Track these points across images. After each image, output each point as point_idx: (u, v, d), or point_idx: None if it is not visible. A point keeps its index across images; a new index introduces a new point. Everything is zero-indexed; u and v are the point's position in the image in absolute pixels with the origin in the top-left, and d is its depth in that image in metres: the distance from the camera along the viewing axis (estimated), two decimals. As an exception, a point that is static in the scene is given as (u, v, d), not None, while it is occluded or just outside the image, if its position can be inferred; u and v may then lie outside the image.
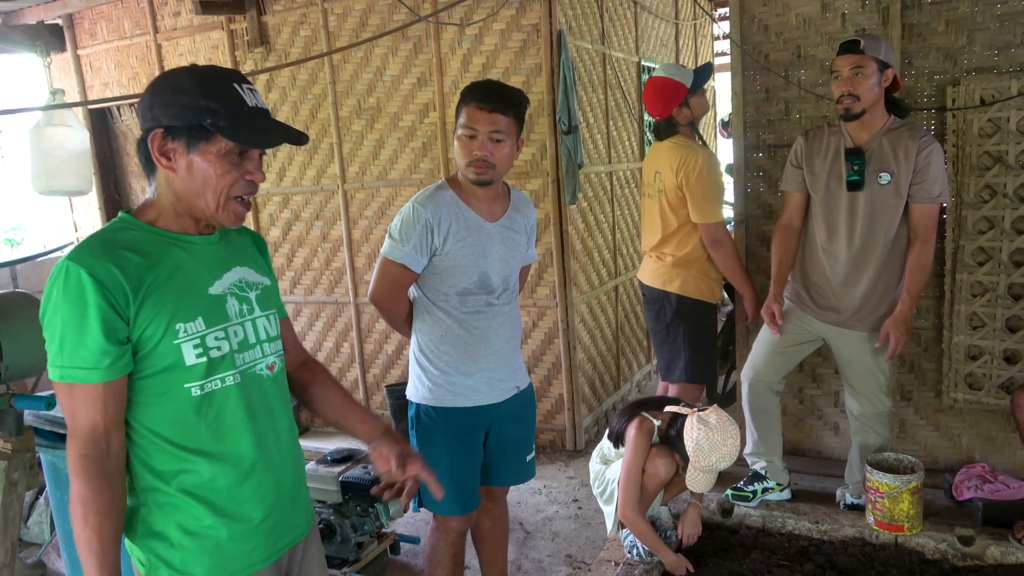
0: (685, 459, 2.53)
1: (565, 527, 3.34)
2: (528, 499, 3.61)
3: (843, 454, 3.29)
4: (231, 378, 1.36)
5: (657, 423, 2.64)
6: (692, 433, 2.46)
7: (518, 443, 2.38)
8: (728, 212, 3.97)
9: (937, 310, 3.23)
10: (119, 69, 4.95)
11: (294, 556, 1.52)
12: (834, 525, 2.84)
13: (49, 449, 2.47)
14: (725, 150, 5.91)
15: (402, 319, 2.27)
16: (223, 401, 1.35)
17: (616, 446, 2.76)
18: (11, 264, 4.91)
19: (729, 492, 3.11)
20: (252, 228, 4.57)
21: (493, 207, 2.20)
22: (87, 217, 5.37)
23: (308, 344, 4.67)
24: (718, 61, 6.99)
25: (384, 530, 3.01)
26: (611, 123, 4.54)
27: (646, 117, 5.02)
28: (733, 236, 3.57)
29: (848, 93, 2.64)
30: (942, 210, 3.01)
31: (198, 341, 1.31)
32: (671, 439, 2.59)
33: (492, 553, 2.54)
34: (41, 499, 3.23)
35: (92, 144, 4.88)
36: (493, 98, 2.06)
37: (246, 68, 4.50)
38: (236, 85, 1.32)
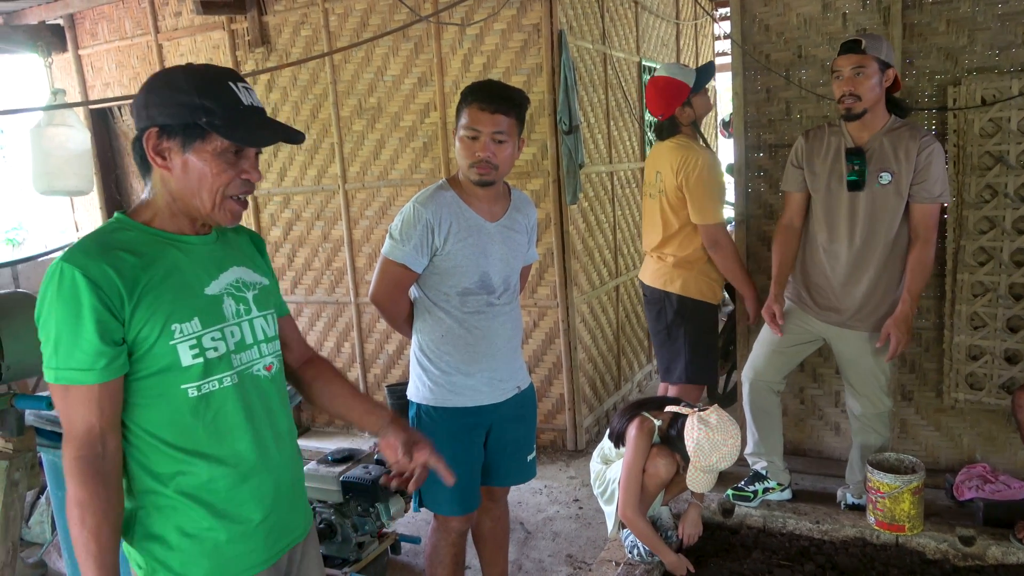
0: (686, 459, 2.53)
1: (566, 527, 3.34)
2: (529, 499, 3.61)
3: (844, 454, 3.29)
4: (228, 379, 1.35)
5: (658, 423, 2.64)
6: (693, 433, 2.46)
7: (519, 443, 2.38)
8: (729, 212, 3.96)
9: (938, 310, 3.22)
10: (120, 69, 4.95)
11: (293, 557, 1.52)
12: (835, 525, 2.84)
13: (50, 449, 2.47)
14: (726, 150, 5.91)
15: (403, 319, 2.27)
16: (221, 402, 1.34)
17: (617, 446, 2.76)
18: (12, 264, 4.91)
19: (730, 492, 3.11)
20: (253, 228, 4.58)
21: (494, 207, 2.20)
22: (88, 217, 5.37)
23: (309, 344, 4.67)
24: (719, 61, 6.98)
25: (385, 530, 3.01)
26: (612, 123, 4.54)
27: (647, 117, 5.02)
28: (734, 236, 3.57)
29: (849, 93, 2.64)
30: (943, 210, 3.01)
31: (194, 342, 1.30)
32: (672, 439, 2.59)
33: (493, 553, 2.54)
34: (42, 499, 3.23)
35: (93, 144, 4.89)
36: (495, 99, 2.05)
37: (247, 68, 4.50)
38: (231, 83, 1.31)
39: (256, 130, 1.32)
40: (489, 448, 2.31)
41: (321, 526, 2.83)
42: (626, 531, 2.72)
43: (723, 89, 7.55)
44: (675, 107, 3.16)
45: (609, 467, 2.82)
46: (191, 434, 1.32)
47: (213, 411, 1.34)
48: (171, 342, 1.28)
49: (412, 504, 2.42)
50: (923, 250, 2.71)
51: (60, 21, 5.03)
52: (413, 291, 2.24)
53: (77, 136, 4.48)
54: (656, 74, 3.28)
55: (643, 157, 5.01)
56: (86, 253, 1.24)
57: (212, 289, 1.36)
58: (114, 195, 5.30)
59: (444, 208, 2.12)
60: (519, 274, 2.33)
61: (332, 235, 4.53)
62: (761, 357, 3.07)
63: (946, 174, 2.72)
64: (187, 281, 1.32)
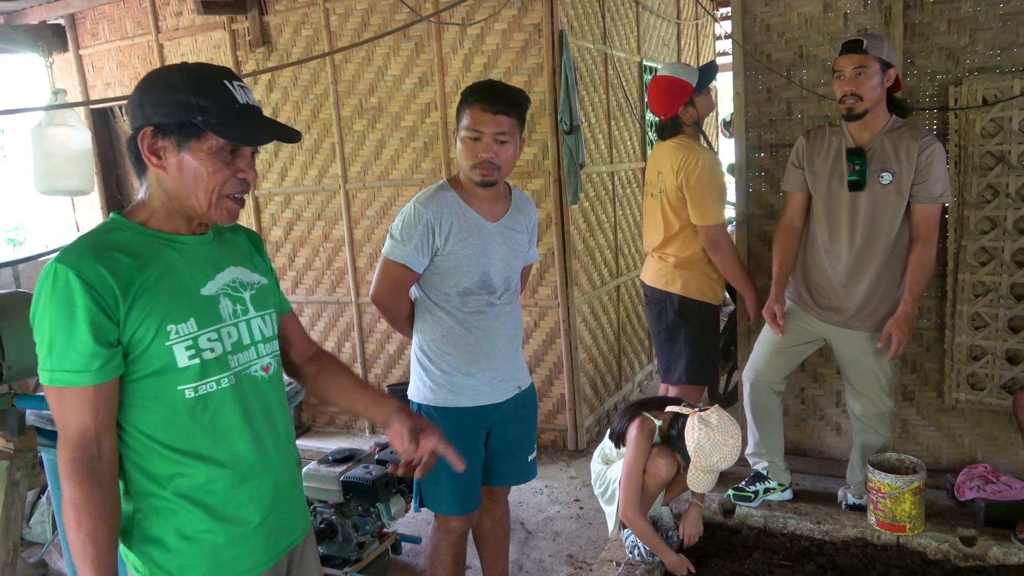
0: (686, 459, 2.53)
1: (566, 527, 3.34)
2: (529, 499, 3.61)
3: (845, 454, 3.29)
4: (226, 380, 1.34)
5: (658, 423, 2.64)
6: (693, 433, 2.45)
7: (519, 443, 2.38)
8: (730, 212, 3.96)
9: (939, 310, 3.22)
10: (121, 69, 4.95)
11: (292, 559, 1.51)
12: (836, 525, 2.84)
13: (51, 449, 2.47)
14: (727, 150, 5.91)
15: (403, 319, 2.27)
16: (218, 403, 1.33)
17: (617, 446, 2.76)
18: (13, 264, 4.91)
19: (731, 492, 3.11)
20: (254, 228, 4.58)
21: (494, 207, 2.20)
22: (89, 217, 5.37)
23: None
24: (720, 61, 6.98)
25: (385, 530, 3.01)
26: (613, 123, 4.54)
27: (648, 116, 5.02)
28: (735, 236, 3.57)
29: (851, 93, 2.64)
30: (944, 210, 3.00)
31: (190, 342, 1.29)
32: (672, 439, 2.59)
33: (493, 553, 2.54)
34: (43, 498, 3.23)
35: (94, 144, 4.89)
36: (497, 100, 2.05)
37: (248, 68, 4.50)
38: (227, 82, 1.30)
39: (252, 129, 1.31)
40: (490, 448, 2.31)
41: (322, 526, 2.83)
42: (627, 531, 2.72)
43: (724, 89, 7.55)
44: (678, 107, 3.16)
45: (610, 467, 2.82)
46: (188, 436, 1.31)
47: (210, 412, 1.32)
48: (167, 343, 1.27)
49: (413, 504, 2.41)
50: (924, 250, 2.71)
51: (61, 21, 5.03)
52: (414, 291, 2.24)
53: (78, 136, 4.48)
54: (659, 74, 3.28)
55: (644, 157, 5.01)
56: (80, 254, 1.23)
57: (208, 289, 1.35)
58: (115, 195, 5.31)
59: (445, 208, 2.12)
60: (520, 274, 2.33)
61: (333, 235, 4.53)
62: (762, 357, 3.07)
63: (947, 174, 2.71)
64: (183, 282, 1.31)
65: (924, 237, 2.71)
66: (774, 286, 2.98)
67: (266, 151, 4.61)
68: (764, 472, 3.15)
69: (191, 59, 4.59)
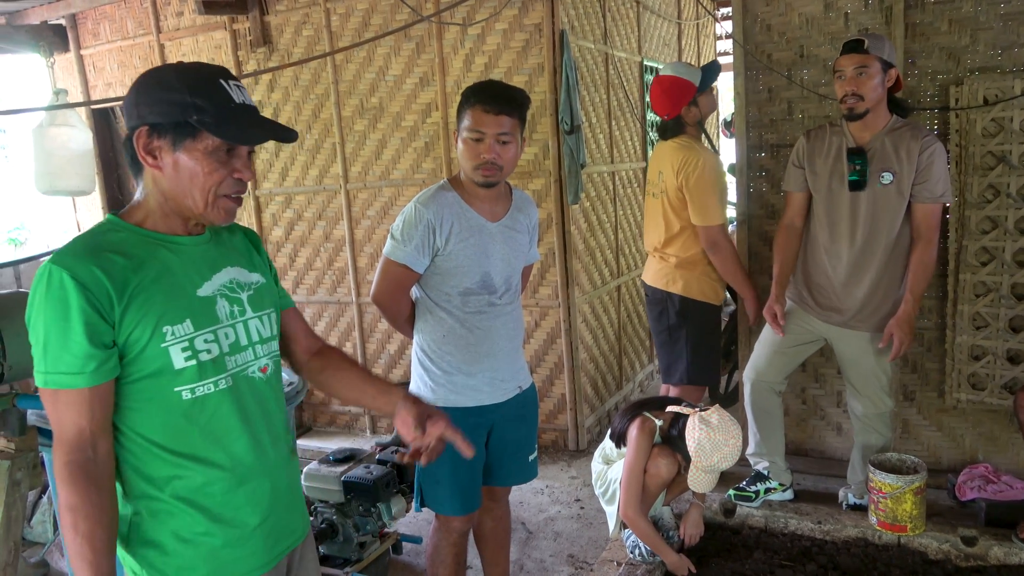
0: (687, 459, 2.53)
1: (567, 527, 3.34)
2: (530, 499, 3.61)
3: (846, 454, 3.29)
4: (223, 381, 1.33)
5: (659, 423, 2.64)
6: (694, 433, 2.45)
7: (520, 443, 2.38)
8: (731, 212, 3.96)
9: (940, 310, 3.22)
10: (122, 69, 4.96)
11: (292, 560, 1.50)
12: (837, 525, 2.84)
13: (52, 449, 2.47)
14: (727, 150, 5.91)
15: (404, 319, 2.27)
16: (215, 405, 1.32)
17: (618, 446, 2.76)
18: (14, 264, 4.92)
19: (731, 492, 3.11)
20: (255, 228, 4.58)
21: (495, 207, 2.20)
22: (90, 217, 5.38)
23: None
24: (720, 61, 6.98)
25: (386, 530, 3.01)
26: (613, 123, 4.54)
27: (649, 116, 5.02)
28: (735, 236, 3.57)
29: (852, 93, 2.63)
30: (945, 210, 3.00)
31: (186, 344, 1.28)
32: (673, 439, 2.59)
33: (494, 553, 2.54)
34: (44, 498, 3.23)
35: (95, 144, 4.90)
36: (499, 100, 2.05)
37: (249, 68, 4.50)
38: (223, 81, 1.29)
39: (248, 128, 1.29)
40: (491, 448, 2.31)
41: (323, 526, 2.83)
42: (627, 531, 2.72)
43: (725, 89, 7.55)
44: (681, 107, 3.15)
45: (610, 467, 2.82)
46: (186, 438, 1.30)
47: (208, 414, 1.32)
48: (163, 344, 1.26)
49: (414, 504, 2.42)
50: (925, 250, 2.71)
51: (62, 21, 5.03)
52: (415, 291, 2.24)
53: (79, 136, 4.48)
54: (661, 73, 3.27)
55: (645, 157, 5.01)
56: (75, 255, 1.23)
57: (205, 290, 1.34)
58: (116, 195, 5.31)
59: (446, 208, 2.12)
60: (520, 274, 2.33)
61: (334, 235, 4.53)
62: (762, 357, 3.06)
63: (948, 174, 2.71)
64: (179, 283, 1.30)
65: (925, 237, 2.71)
66: (775, 286, 2.98)
67: (267, 151, 4.62)
68: (765, 472, 3.15)
69: (192, 59, 4.60)
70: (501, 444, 2.32)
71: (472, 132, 2.06)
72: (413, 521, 3.40)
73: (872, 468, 2.77)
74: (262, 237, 4.69)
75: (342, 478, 2.81)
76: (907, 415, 3.37)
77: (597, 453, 2.92)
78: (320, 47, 4.29)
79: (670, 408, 2.63)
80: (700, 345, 3.25)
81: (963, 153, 3.01)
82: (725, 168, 3.39)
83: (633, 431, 2.64)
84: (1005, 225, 2.99)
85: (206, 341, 1.31)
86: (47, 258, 1.25)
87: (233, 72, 4.59)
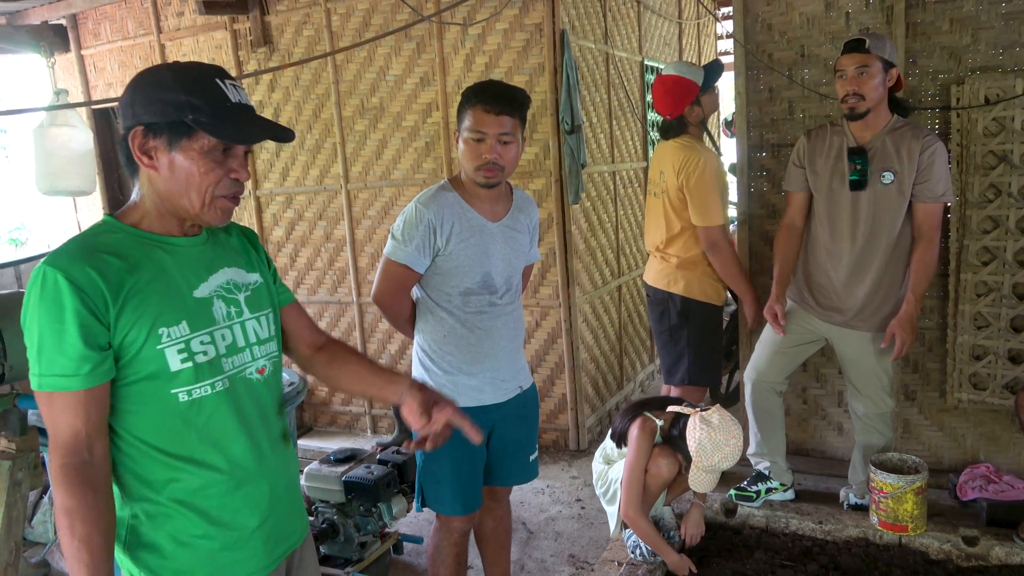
0: (688, 459, 2.53)
1: (568, 527, 3.34)
2: (531, 499, 3.61)
3: (847, 454, 3.29)
4: (220, 383, 1.32)
5: (660, 423, 2.64)
6: (694, 433, 2.45)
7: (521, 443, 2.38)
8: (732, 212, 3.95)
9: (941, 310, 3.22)
10: (123, 69, 4.96)
11: (291, 563, 1.49)
12: (838, 525, 2.84)
13: (53, 449, 2.47)
14: (728, 150, 5.91)
15: (405, 319, 2.27)
16: (212, 407, 1.31)
17: (619, 446, 2.76)
18: (15, 264, 4.93)
19: (732, 492, 3.11)
20: (255, 229, 4.58)
21: (496, 207, 2.20)
22: (91, 217, 5.38)
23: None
24: (721, 60, 6.98)
25: (387, 530, 3.01)
26: (614, 123, 4.54)
27: (650, 116, 5.01)
28: (736, 236, 3.56)
29: (853, 92, 2.63)
30: (946, 209, 3.00)
31: (182, 346, 1.27)
32: (674, 439, 2.58)
33: (495, 553, 2.54)
34: (45, 499, 3.23)
35: (96, 144, 4.90)
36: (500, 100, 2.05)
37: (249, 68, 4.50)
38: (219, 81, 1.27)
39: (244, 127, 1.28)
40: (491, 448, 2.31)
41: (324, 526, 2.83)
42: (628, 531, 2.72)
43: (725, 88, 7.54)
44: (684, 106, 3.14)
45: (611, 467, 2.82)
46: (183, 440, 1.30)
47: (205, 416, 1.31)
48: (158, 346, 1.25)
49: (414, 504, 2.41)
50: (926, 250, 2.70)
51: (63, 21, 5.03)
52: (415, 291, 2.24)
53: (80, 136, 4.49)
54: (664, 73, 3.26)
55: (646, 157, 5.01)
56: (69, 256, 1.22)
57: (201, 292, 1.33)
58: (117, 195, 5.31)
59: (446, 209, 2.12)
60: (521, 274, 2.33)
61: (335, 235, 4.53)
62: (763, 357, 3.06)
63: (949, 173, 2.71)
64: (174, 284, 1.29)
65: (926, 237, 2.70)
66: (775, 286, 2.98)
67: (267, 151, 4.62)
68: (766, 472, 3.15)
69: (193, 59, 4.60)
70: (502, 444, 2.32)
71: (473, 132, 2.06)
72: (414, 521, 3.40)
73: (873, 468, 2.76)
74: (263, 237, 4.69)
75: (343, 478, 2.81)
76: (908, 415, 3.37)
77: (598, 453, 2.92)
78: (321, 47, 4.29)
79: (671, 408, 2.63)
80: (702, 346, 3.25)
81: (964, 152, 3.01)
82: (726, 168, 3.38)
83: (634, 431, 2.64)
84: (1006, 225, 2.99)
85: (202, 343, 1.30)
86: (42, 259, 1.24)
87: (234, 72, 4.55)
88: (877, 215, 2.72)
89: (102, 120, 5.23)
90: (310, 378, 4.79)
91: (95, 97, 5.04)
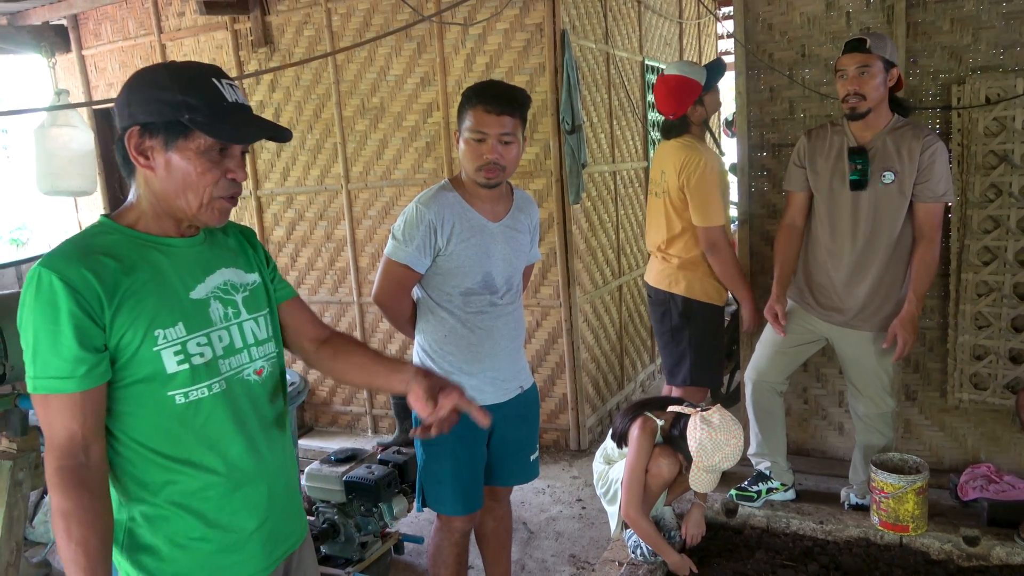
0: (688, 459, 2.52)
1: (569, 527, 3.34)
2: (532, 499, 3.61)
3: (848, 454, 3.29)
4: (216, 385, 1.31)
5: (660, 423, 2.64)
6: (695, 433, 2.45)
7: (522, 443, 2.38)
8: (733, 212, 3.95)
9: (942, 310, 3.21)
10: (124, 69, 4.96)
11: (289, 565, 1.48)
12: (839, 525, 2.84)
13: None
14: (729, 149, 5.90)
15: (405, 319, 2.27)
16: (210, 409, 1.30)
17: (619, 446, 2.76)
18: (16, 264, 4.93)
19: (733, 492, 3.11)
20: (256, 229, 4.59)
21: (496, 207, 2.20)
22: (92, 217, 5.38)
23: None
24: (722, 60, 6.97)
25: (388, 530, 3.01)
26: (615, 122, 4.54)
27: (650, 116, 5.01)
28: (737, 236, 3.56)
29: (854, 92, 2.63)
30: (947, 209, 3.00)
31: (179, 348, 1.26)
32: (674, 439, 2.58)
33: (496, 553, 2.54)
34: (46, 499, 3.24)
35: (97, 144, 4.90)
36: (501, 100, 2.05)
37: (250, 68, 4.51)
38: (215, 80, 1.27)
39: (241, 127, 1.27)
40: (492, 448, 2.31)
41: (324, 526, 2.83)
42: (629, 531, 2.72)
43: (726, 88, 7.53)
44: (687, 106, 3.13)
45: (612, 467, 2.82)
46: (180, 442, 1.29)
47: (202, 418, 1.30)
48: (154, 348, 1.24)
49: (415, 504, 2.42)
50: (927, 250, 2.70)
51: (64, 21, 5.04)
52: (416, 291, 2.24)
53: (81, 136, 4.49)
54: (666, 72, 3.24)
55: (646, 157, 5.01)
56: (65, 258, 1.21)
57: (198, 293, 1.32)
58: (118, 195, 5.31)
59: (447, 209, 2.12)
60: (522, 274, 2.33)
61: (335, 235, 4.53)
62: (764, 357, 3.06)
63: (950, 173, 2.71)
64: (171, 285, 1.29)
65: (927, 236, 2.70)
66: (776, 286, 2.98)
67: (268, 151, 4.62)
68: (767, 472, 3.15)
69: (194, 60, 4.60)
70: (502, 444, 2.32)
71: (474, 133, 2.05)
72: (415, 521, 3.40)
73: (874, 468, 2.76)
74: (263, 237, 4.70)
75: (344, 478, 2.81)
76: (909, 415, 3.37)
77: (598, 453, 2.92)
78: (321, 47, 4.29)
79: (671, 408, 2.63)
80: (703, 346, 3.24)
81: (965, 152, 3.01)
82: (727, 168, 3.37)
83: (634, 431, 2.63)
84: (1007, 224, 2.99)
85: (199, 344, 1.29)
86: (37, 261, 1.24)
87: (234, 73, 4.55)
88: (878, 215, 2.72)
89: (103, 120, 5.23)
90: (311, 378, 4.80)
91: (96, 97, 5.04)
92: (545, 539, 3.26)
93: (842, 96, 2.68)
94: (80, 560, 1.18)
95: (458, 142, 2.12)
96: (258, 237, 1.56)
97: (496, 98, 2.05)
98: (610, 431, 2.83)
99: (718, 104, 3.29)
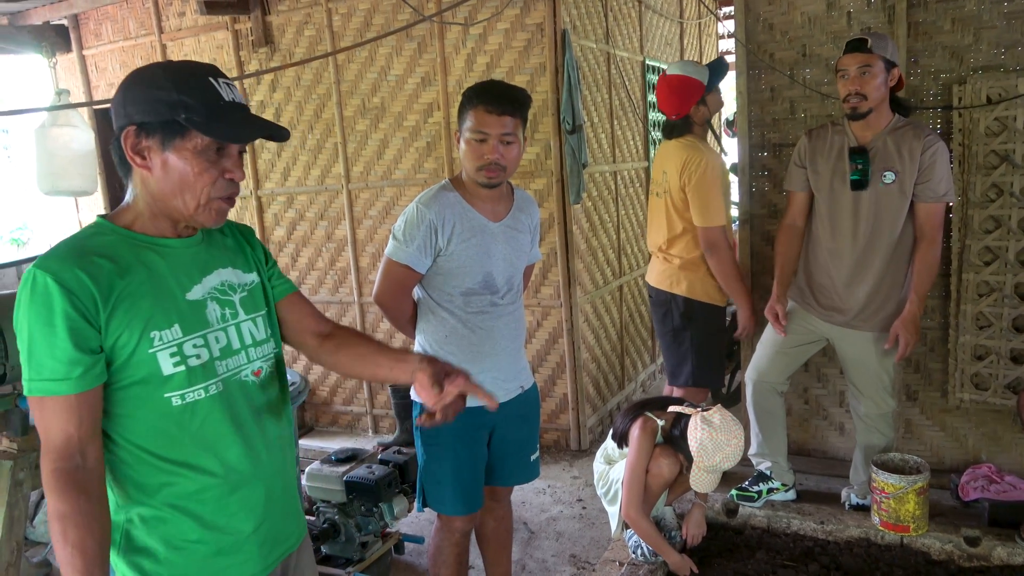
0: (689, 459, 2.52)
1: (569, 527, 3.34)
2: (532, 499, 3.61)
3: (848, 454, 3.28)
4: (213, 387, 1.31)
5: (661, 423, 2.63)
6: (696, 433, 2.45)
7: (522, 443, 2.38)
8: (734, 212, 3.95)
9: (943, 310, 3.21)
10: (124, 69, 4.96)
11: (287, 567, 1.48)
12: (839, 526, 2.83)
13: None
14: (730, 149, 5.90)
15: (406, 319, 2.27)
16: (206, 411, 1.30)
17: (620, 446, 2.75)
18: (17, 264, 4.93)
19: (734, 492, 3.11)
20: (256, 229, 4.58)
21: (497, 207, 2.20)
22: (92, 217, 5.37)
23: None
24: (723, 60, 6.97)
25: (388, 530, 3.01)
26: (615, 122, 4.54)
27: (651, 116, 5.01)
28: (737, 235, 3.55)
29: (855, 92, 2.63)
30: (948, 209, 2.99)
31: (175, 349, 1.26)
32: (675, 439, 2.58)
33: (496, 553, 2.54)
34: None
35: (97, 144, 4.90)
36: (502, 101, 2.05)
37: (251, 68, 4.51)
38: (212, 79, 1.26)
39: (238, 126, 1.27)
40: (492, 448, 2.31)
41: (325, 526, 2.83)
42: (630, 531, 2.71)
43: (727, 88, 7.53)
44: (690, 106, 3.11)
45: (612, 467, 2.82)
46: (177, 444, 1.28)
47: (199, 420, 1.29)
48: (150, 350, 1.23)
49: (416, 504, 2.42)
50: (929, 250, 2.70)
51: (64, 21, 5.04)
52: (417, 291, 2.24)
53: (81, 136, 4.49)
54: (669, 72, 3.22)
55: (647, 156, 5.01)
56: (60, 259, 1.20)
57: (194, 294, 1.31)
58: (118, 195, 5.30)
59: (447, 209, 2.12)
60: (522, 274, 2.33)
61: (336, 235, 4.53)
62: (764, 358, 3.06)
63: (950, 173, 2.71)
64: (167, 287, 1.28)
65: (928, 237, 2.70)
66: (776, 286, 2.98)
67: (269, 151, 4.62)
68: (767, 472, 3.14)
69: (195, 59, 4.60)
70: (503, 444, 2.32)
71: (475, 133, 2.05)
72: (415, 521, 3.40)
73: (875, 468, 2.76)
74: (264, 237, 4.69)
75: (344, 478, 2.81)
76: (910, 415, 3.37)
77: (599, 453, 2.92)
78: (322, 47, 4.29)
79: (672, 408, 2.63)
80: (705, 347, 3.23)
81: (966, 152, 3.01)
82: (728, 167, 3.37)
83: (635, 431, 2.63)
84: (1008, 224, 2.98)
85: (195, 346, 1.29)
86: (33, 262, 1.23)
87: (235, 72, 4.55)
88: (878, 215, 2.72)
89: (104, 120, 5.23)
90: (311, 378, 4.80)
91: (97, 97, 5.04)
92: (546, 539, 3.25)
93: (843, 96, 2.68)
94: (76, 563, 1.17)
95: (459, 142, 2.12)
96: (259, 237, 1.55)
97: (497, 98, 2.05)
98: (611, 431, 2.82)
99: (720, 104, 3.29)
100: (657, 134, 5.05)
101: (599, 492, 2.89)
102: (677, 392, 3.31)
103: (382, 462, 2.94)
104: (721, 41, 6.85)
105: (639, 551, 2.69)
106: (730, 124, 6.73)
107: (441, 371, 1.40)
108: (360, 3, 4.16)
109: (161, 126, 1.23)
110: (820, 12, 3.25)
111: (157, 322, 1.25)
